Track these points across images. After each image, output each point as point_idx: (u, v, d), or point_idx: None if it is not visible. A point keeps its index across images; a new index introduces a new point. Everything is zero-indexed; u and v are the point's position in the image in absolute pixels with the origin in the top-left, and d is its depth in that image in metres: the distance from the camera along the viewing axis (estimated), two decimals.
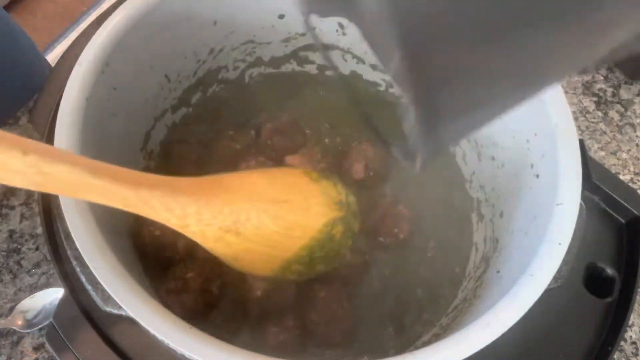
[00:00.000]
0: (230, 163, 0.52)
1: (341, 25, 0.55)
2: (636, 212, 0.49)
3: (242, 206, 0.34)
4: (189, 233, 0.34)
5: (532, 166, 0.44)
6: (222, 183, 0.35)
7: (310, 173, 0.39)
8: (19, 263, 0.56)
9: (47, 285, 0.55)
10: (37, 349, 0.52)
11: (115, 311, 0.33)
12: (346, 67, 0.60)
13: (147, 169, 0.51)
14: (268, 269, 0.38)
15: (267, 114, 0.56)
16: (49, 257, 0.53)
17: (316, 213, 0.37)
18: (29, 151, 0.26)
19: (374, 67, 0.59)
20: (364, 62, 0.59)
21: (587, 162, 0.44)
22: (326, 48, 0.58)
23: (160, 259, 0.45)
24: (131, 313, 0.32)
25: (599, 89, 0.75)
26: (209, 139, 0.54)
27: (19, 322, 0.52)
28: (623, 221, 0.50)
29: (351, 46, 0.58)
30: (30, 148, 0.27)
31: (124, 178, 0.30)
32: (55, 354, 0.41)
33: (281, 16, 0.54)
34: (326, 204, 0.37)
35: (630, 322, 0.56)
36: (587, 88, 0.75)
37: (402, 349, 0.47)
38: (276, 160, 0.53)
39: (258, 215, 0.34)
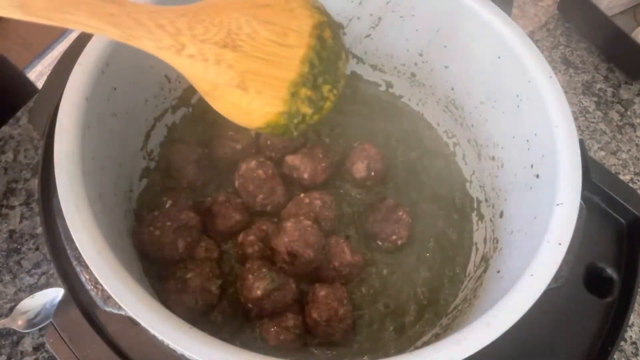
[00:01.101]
0: (230, 163, 0.52)
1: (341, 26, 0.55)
2: (636, 212, 0.49)
3: (230, 14, 0.33)
4: (187, 59, 0.32)
5: (532, 166, 0.44)
6: (206, 1, 0.34)
7: None
8: (19, 263, 0.56)
9: (47, 285, 0.55)
10: (37, 349, 0.52)
11: (115, 311, 0.33)
12: (346, 67, 0.60)
13: (147, 169, 0.51)
14: (279, 100, 0.35)
15: None
16: (49, 257, 0.53)
17: (301, 14, 0.36)
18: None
19: (374, 67, 0.59)
20: (364, 62, 0.59)
21: (587, 162, 0.44)
22: None
23: (160, 259, 0.45)
24: (131, 313, 0.32)
25: (599, 89, 0.75)
26: (209, 139, 0.54)
27: (19, 322, 0.52)
28: (623, 221, 0.50)
29: (351, 46, 0.58)
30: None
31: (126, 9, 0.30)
32: (55, 354, 0.41)
33: None
34: (307, 6, 0.36)
35: (630, 322, 0.56)
36: (587, 88, 0.75)
37: (402, 349, 0.47)
38: (276, 160, 0.53)
39: (248, 22, 0.33)
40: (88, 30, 0.30)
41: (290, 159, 0.51)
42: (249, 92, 0.34)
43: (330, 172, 0.52)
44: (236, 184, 0.50)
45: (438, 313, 0.49)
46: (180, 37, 0.31)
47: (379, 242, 0.51)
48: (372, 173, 0.52)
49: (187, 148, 0.52)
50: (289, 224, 0.46)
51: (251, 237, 0.48)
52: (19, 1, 0.28)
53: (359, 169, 0.52)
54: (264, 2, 0.35)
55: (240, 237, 0.48)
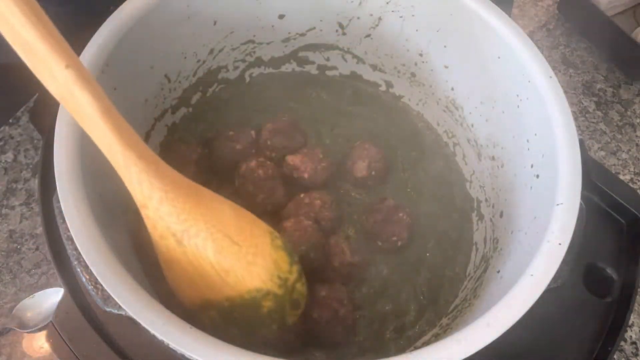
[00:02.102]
0: (230, 163, 0.52)
1: (341, 25, 0.55)
2: (636, 212, 0.49)
3: (198, 223, 0.34)
4: (144, 214, 0.35)
5: (532, 166, 0.44)
6: (198, 193, 0.36)
7: (276, 238, 0.38)
8: (19, 263, 0.56)
9: (47, 285, 0.55)
10: (37, 349, 0.52)
11: (115, 311, 0.33)
12: (346, 67, 0.60)
13: None
14: (188, 298, 0.37)
15: (267, 114, 0.56)
16: (49, 257, 0.53)
17: (257, 274, 0.36)
18: (70, 66, 0.30)
19: (374, 67, 0.59)
20: (364, 62, 0.59)
21: (587, 162, 0.44)
22: (326, 48, 0.58)
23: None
24: (131, 313, 0.31)
25: (599, 89, 0.75)
26: (209, 139, 0.54)
27: (19, 322, 0.52)
28: (623, 221, 0.50)
29: (351, 46, 0.58)
30: (72, 63, 0.30)
31: (125, 135, 0.32)
32: (55, 354, 0.41)
33: (281, 16, 0.54)
34: (270, 272, 0.36)
35: (630, 322, 0.56)
36: (587, 88, 0.75)
37: (402, 349, 0.47)
38: (276, 160, 0.53)
39: (205, 238, 0.34)
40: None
41: (291, 159, 0.51)
42: (171, 273, 0.37)
43: (330, 172, 0.52)
44: (236, 183, 0.50)
45: (438, 313, 0.49)
46: (148, 202, 0.34)
47: (379, 243, 0.51)
48: (373, 172, 0.52)
49: (187, 148, 0.52)
50: (289, 224, 0.46)
51: None
52: (59, 96, 0.31)
53: (360, 168, 0.52)
54: (239, 240, 0.35)
55: None
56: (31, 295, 0.53)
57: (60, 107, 0.38)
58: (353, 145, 0.54)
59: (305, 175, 0.51)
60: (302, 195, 0.50)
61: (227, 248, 0.35)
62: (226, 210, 0.36)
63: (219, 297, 0.36)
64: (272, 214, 0.50)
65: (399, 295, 0.49)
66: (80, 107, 0.31)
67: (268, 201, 0.49)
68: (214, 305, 0.37)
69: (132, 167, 0.33)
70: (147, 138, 0.51)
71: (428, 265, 0.51)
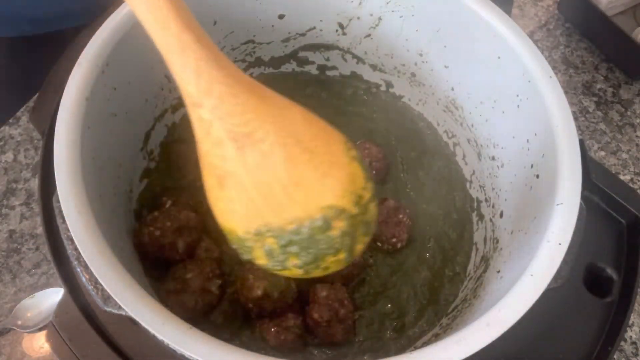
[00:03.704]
0: None
1: (341, 25, 0.55)
2: (636, 212, 0.49)
3: (265, 125, 0.28)
4: (196, 116, 0.28)
5: (532, 166, 0.44)
6: (263, 91, 0.30)
7: (351, 148, 0.32)
8: (19, 263, 0.56)
9: (47, 285, 0.55)
10: (37, 349, 0.52)
11: (115, 311, 0.33)
12: (346, 67, 0.60)
13: (147, 169, 0.51)
14: (242, 226, 0.30)
15: None
16: (49, 257, 0.53)
17: (330, 188, 0.29)
18: None
19: (374, 67, 0.59)
20: (364, 62, 0.59)
21: (587, 162, 0.44)
22: (326, 48, 0.58)
23: (160, 259, 0.45)
24: (131, 313, 0.32)
25: (599, 89, 0.75)
26: None
27: (19, 322, 0.52)
28: (623, 221, 0.50)
29: (351, 46, 0.58)
30: None
31: (184, 16, 0.27)
32: (55, 354, 0.41)
33: (281, 16, 0.54)
34: (345, 188, 0.30)
35: (630, 322, 0.56)
36: (587, 88, 0.75)
37: (402, 349, 0.47)
38: None
39: (273, 143, 0.28)
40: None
41: None
42: (221, 199, 0.31)
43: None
44: None
45: (438, 313, 0.49)
46: (204, 98, 0.28)
47: (379, 244, 0.51)
48: (374, 172, 0.52)
49: (187, 148, 0.52)
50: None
51: None
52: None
53: None
54: (310, 145, 0.29)
55: None
56: (31, 295, 0.53)
57: (60, 107, 0.38)
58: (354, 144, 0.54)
59: None
60: None
61: (299, 156, 0.29)
62: (297, 113, 0.30)
63: (283, 220, 0.29)
64: None
65: (399, 295, 0.49)
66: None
67: None
68: (273, 231, 0.30)
69: (190, 54, 0.27)
70: (147, 138, 0.51)
71: (428, 265, 0.51)
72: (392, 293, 0.49)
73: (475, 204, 0.54)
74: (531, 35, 0.79)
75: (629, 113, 0.73)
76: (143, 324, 0.31)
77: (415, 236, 0.52)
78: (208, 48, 0.27)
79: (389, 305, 0.49)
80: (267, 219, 0.30)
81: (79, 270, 0.34)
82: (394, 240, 0.50)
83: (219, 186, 0.30)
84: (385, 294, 0.49)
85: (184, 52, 0.27)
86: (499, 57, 0.47)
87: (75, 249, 0.33)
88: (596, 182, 0.49)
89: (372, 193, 0.31)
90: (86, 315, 0.41)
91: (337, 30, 0.56)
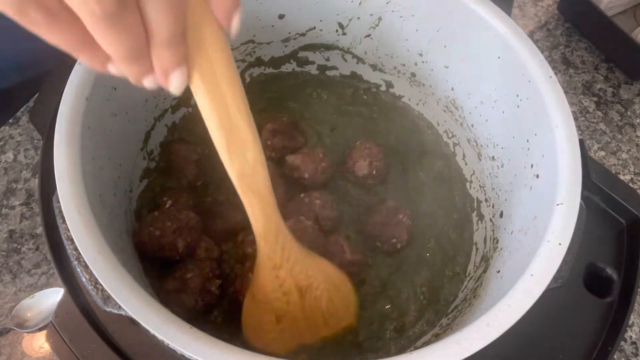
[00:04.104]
0: None
1: (341, 25, 0.55)
2: (636, 212, 0.49)
3: (318, 278, 0.41)
4: (274, 275, 0.39)
5: (532, 166, 0.44)
6: (311, 253, 0.42)
7: (352, 285, 0.45)
8: (19, 263, 0.56)
9: (47, 285, 0.55)
10: (37, 349, 0.52)
11: (115, 311, 0.33)
12: (346, 67, 0.60)
13: (147, 169, 0.51)
14: (284, 346, 0.42)
15: (267, 114, 0.56)
16: (49, 257, 0.53)
17: (351, 313, 0.45)
18: (261, 150, 0.34)
19: (373, 67, 0.59)
20: (364, 62, 0.59)
21: (587, 162, 0.44)
22: (326, 48, 0.58)
23: (160, 259, 0.45)
24: (131, 313, 0.32)
25: (599, 89, 0.75)
26: (208, 139, 0.54)
27: (19, 322, 0.52)
28: (623, 221, 0.50)
29: (351, 46, 0.58)
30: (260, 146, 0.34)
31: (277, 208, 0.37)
32: (55, 354, 0.41)
33: (281, 16, 0.54)
34: (354, 310, 0.45)
35: (630, 322, 0.56)
36: (587, 88, 0.75)
37: (402, 349, 0.47)
38: (277, 160, 0.53)
39: (323, 289, 0.41)
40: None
41: (291, 159, 0.51)
42: (274, 328, 0.41)
43: (330, 172, 0.52)
44: None
45: (438, 313, 0.49)
46: (284, 263, 0.39)
47: (379, 244, 0.51)
48: (374, 171, 0.52)
49: (187, 148, 0.52)
50: (289, 224, 0.46)
51: (251, 237, 0.48)
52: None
53: (361, 166, 0.52)
54: (339, 286, 0.43)
55: (240, 237, 0.48)
56: (31, 295, 0.53)
57: (60, 107, 0.38)
58: (354, 144, 0.54)
59: (306, 175, 0.51)
60: (302, 195, 0.50)
61: (336, 295, 0.42)
62: (329, 267, 0.43)
63: (316, 339, 0.43)
64: None
65: (399, 295, 0.49)
66: (255, 182, 0.34)
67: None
68: (307, 347, 0.43)
69: (281, 234, 0.38)
70: (147, 138, 0.51)
71: (428, 265, 0.51)
72: (392, 293, 0.49)
73: (475, 204, 0.54)
74: (531, 35, 0.79)
75: (629, 113, 0.73)
76: (143, 324, 0.31)
77: (416, 236, 0.52)
78: (287, 231, 0.39)
79: (389, 306, 0.49)
80: (306, 341, 0.43)
81: (79, 270, 0.35)
82: (394, 240, 0.50)
83: (276, 321, 0.41)
84: (384, 294, 0.49)
85: (277, 235, 0.38)
86: (499, 57, 0.47)
87: (75, 249, 0.34)
88: (596, 182, 0.49)
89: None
90: (86, 315, 0.41)
91: (337, 30, 0.56)
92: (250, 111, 0.32)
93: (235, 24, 0.27)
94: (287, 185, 0.51)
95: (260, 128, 0.54)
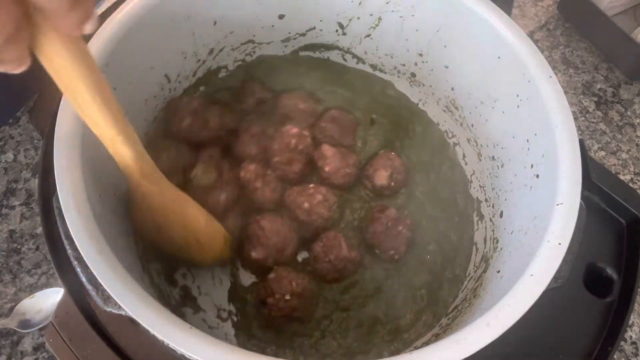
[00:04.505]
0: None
1: (341, 25, 0.55)
2: (636, 212, 0.49)
3: (177, 228, 0.43)
4: (135, 198, 0.41)
5: (532, 166, 0.44)
6: (182, 204, 0.43)
7: (228, 238, 0.47)
8: (19, 263, 0.56)
9: (47, 285, 0.55)
10: (37, 349, 0.52)
11: (115, 311, 0.33)
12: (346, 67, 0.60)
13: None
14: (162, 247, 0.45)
15: None
16: (49, 257, 0.53)
17: (206, 257, 0.46)
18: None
19: (374, 67, 0.59)
20: (364, 62, 0.59)
21: (587, 162, 0.44)
22: (326, 48, 0.58)
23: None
24: (131, 313, 0.32)
25: (599, 89, 0.75)
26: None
27: (19, 322, 0.52)
28: (623, 221, 0.50)
29: (351, 46, 0.58)
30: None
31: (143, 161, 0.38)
32: (55, 354, 0.41)
33: (281, 16, 0.54)
34: (214, 258, 0.47)
35: (630, 322, 0.56)
36: (587, 88, 0.75)
37: (398, 351, 0.47)
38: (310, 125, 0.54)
39: (178, 236, 0.43)
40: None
41: (325, 148, 0.52)
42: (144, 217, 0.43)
43: (350, 179, 0.52)
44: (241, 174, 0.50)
45: (437, 314, 0.48)
46: (143, 199, 0.41)
47: (377, 251, 0.50)
48: (393, 183, 0.52)
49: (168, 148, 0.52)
50: (265, 220, 0.47)
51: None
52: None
53: (381, 177, 0.52)
54: (200, 239, 0.44)
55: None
56: (31, 295, 0.53)
57: (60, 107, 0.38)
58: (378, 153, 0.54)
59: (327, 169, 0.51)
60: (310, 185, 0.50)
61: (192, 242, 0.44)
62: (201, 219, 0.44)
63: (181, 257, 0.46)
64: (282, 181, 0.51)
65: (395, 298, 0.49)
66: (123, 152, 0.36)
67: (286, 169, 0.51)
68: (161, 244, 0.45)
69: (142, 183, 0.39)
70: (147, 138, 0.51)
71: (428, 267, 0.51)
72: (387, 296, 0.49)
73: (475, 204, 0.54)
74: (531, 35, 0.79)
75: (629, 113, 0.73)
76: (143, 324, 0.31)
77: (416, 239, 0.51)
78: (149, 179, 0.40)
79: (389, 306, 0.48)
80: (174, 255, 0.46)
81: (79, 270, 0.35)
82: (392, 252, 0.49)
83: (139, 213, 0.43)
84: (378, 296, 0.49)
85: (139, 183, 0.39)
86: (499, 57, 0.47)
87: (75, 249, 0.33)
88: (596, 182, 0.49)
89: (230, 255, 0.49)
90: (86, 315, 0.41)
91: (337, 30, 0.56)
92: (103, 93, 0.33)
93: (88, 29, 0.27)
94: (307, 171, 0.52)
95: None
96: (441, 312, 0.49)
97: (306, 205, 0.49)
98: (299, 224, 0.49)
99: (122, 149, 0.36)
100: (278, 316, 0.45)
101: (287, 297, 0.45)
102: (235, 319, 0.47)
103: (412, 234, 0.50)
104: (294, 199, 0.49)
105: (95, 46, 0.41)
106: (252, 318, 0.47)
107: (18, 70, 0.27)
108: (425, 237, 0.52)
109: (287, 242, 0.48)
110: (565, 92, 0.48)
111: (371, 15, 0.53)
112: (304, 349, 0.46)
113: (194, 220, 0.44)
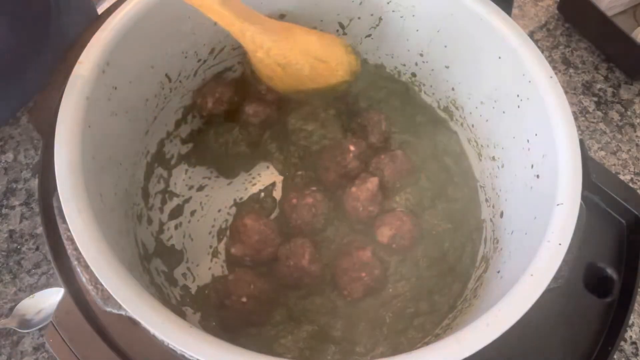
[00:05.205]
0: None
1: (342, 25, 0.55)
2: (636, 212, 0.49)
3: (298, 57, 0.47)
4: (254, 55, 0.47)
5: (532, 166, 0.44)
6: (291, 31, 0.48)
7: (348, 46, 0.51)
8: (19, 263, 0.56)
9: (47, 285, 0.55)
10: (37, 349, 0.52)
11: (115, 311, 0.33)
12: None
13: (148, 169, 0.51)
14: (282, 87, 0.50)
15: None
16: (49, 257, 0.53)
17: (339, 74, 0.50)
18: None
19: (374, 67, 0.59)
20: (366, 62, 0.59)
21: (587, 162, 0.44)
22: None
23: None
24: (131, 312, 0.32)
25: (599, 89, 0.75)
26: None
27: (19, 322, 0.52)
28: (623, 221, 0.50)
29: (351, 46, 0.58)
30: None
31: (240, 14, 0.44)
32: (55, 354, 0.41)
33: (282, 16, 0.54)
34: (346, 70, 0.50)
35: (630, 322, 0.56)
36: (587, 88, 0.75)
37: (402, 349, 0.47)
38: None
39: (303, 64, 0.48)
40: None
41: (356, 190, 0.50)
42: (271, 78, 0.50)
43: (362, 223, 0.51)
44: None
45: (438, 316, 0.48)
46: (259, 48, 0.46)
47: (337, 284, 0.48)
48: (394, 245, 0.49)
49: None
50: (248, 220, 0.47)
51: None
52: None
53: (384, 233, 0.49)
54: (325, 58, 0.49)
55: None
56: (31, 295, 0.53)
57: (60, 107, 0.38)
58: (392, 209, 0.51)
59: (348, 206, 0.50)
60: (307, 193, 0.50)
61: (318, 66, 0.48)
62: (313, 39, 0.49)
63: (308, 90, 0.50)
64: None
65: (399, 297, 0.49)
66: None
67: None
68: (302, 92, 0.50)
69: (249, 33, 0.45)
70: (147, 137, 0.51)
71: (428, 266, 0.51)
72: (392, 295, 0.49)
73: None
74: (531, 35, 0.79)
75: (629, 113, 0.73)
76: (143, 323, 0.31)
77: (417, 237, 0.51)
78: (258, 23, 0.45)
79: (389, 307, 0.48)
80: (297, 88, 0.50)
81: (79, 270, 0.35)
82: (346, 292, 0.47)
83: (267, 78, 0.50)
84: (334, 317, 0.47)
85: (244, 34, 0.45)
86: (499, 57, 0.47)
87: (75, 249, 0.34)
88: (596, 182, 0.49)
89: (360, 63, 0.53)
90: (86, 315, 0.41)
91: (337, 30, 0.56)
92: None
93: None
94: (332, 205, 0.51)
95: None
96: (442, 316, 0.48)
97: (294, 202, 0.49)
98: (285, 222, 0.49)
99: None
100: (234, 318, 0.44)
101: (244, 299, 0.44)
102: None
103: (377, 284, 0.48)
104: (289, 197, 0.49)
105: (96, 46, 0.41)
106: (213, 319, 0.46)
107: None
108: (426, 234, 0.52)
109: (268, 243, 0.47)
110: (565, 92, 0.48)
111: (372, 15, 0.53)
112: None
113: (307, 41, 0.48)
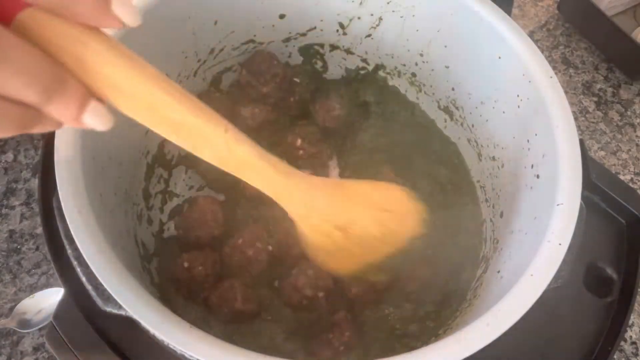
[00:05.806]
0: None
1: (342, 25, 0.55)
2: (636, 212, 0.49)
3: (359, 210, 0.39)
4: (307, 224, 0.37)
5: (532, 166, 0.44)
6: (343, 187, 0.40)
7: (407, 191, 0.42)
8: (19, 263, 0.56)
9: (47, 285, 0.55)
10: (37, 349, 0.52)
11: (115, 311, 0.33)
12: None
13: (148, 169, 0.51)
14: (347, 269, 0.41)
15: None
16: (49, 257, 0.53)
17: (409, 226, 0.41)
18: (229, 129, 0.29)
19: (376, 67, 0.59)
20: (367, 63, 0.59)
21: (587, 162, 0.44)
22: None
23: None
24: (131, 312, 0.32)
25: (599, 89, 0.75)
26: None
27: (19, 322, 0.52)
28: (623, 221, 0.50)
29: (352, 46, 0.58)
30: (229, 127, 0.30)
31: (280, 168, 0.33)
32: (55, 354, 0.41)
33: (282, 16, 0.54)
34: (416, 219, 0.41)
35: (630, 322, 0.56)
36: (587, 88, 0.75)
37: (402, 349, 0.47)
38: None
39: (369, 221, 0.39)
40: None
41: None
42: (330, 258, 0.40)
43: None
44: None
45: (440, 319, 0.48)
46: (311, 212, 0.37)
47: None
48: (320, 293, 0.46)
49: None
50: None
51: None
52: (218, 159, 0.30)
53: (299, 284, 0.45)
54: (390, 207, 0.40)
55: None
56: (31, 295, 0.53)
57: None
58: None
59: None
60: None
61: (385, 219, 0.40)
62: (367, 187, 0.41)
63: (380, 258, 0.41)
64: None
65: (399, 299, 0.49)
66: (239, 161, 0.31)
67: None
68: (373, 266, 0.41)
69: (295, 192, 0.35)
70: (147, 137, 0.51)
71: (428, 266, 0.51)
72: (393, 295, 0.49)
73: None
74: (531, 35, 0.79)
75: (629, 113, 0.73)
76: (143, 323, 0.31)
77: (416, 238, 0.51)
78: (305, 181, 0.36)
79: (390, 309, 0.49)
80: (367, 261, 0.41)
81: (79, 270, 0.35)
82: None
83: (326, 256, 0.40)
84: (385, 296, 0.49)
85: (291, 194, 0.35)
86: (499, 57, 0.47)
87: (75, 249, 0.33)
88: (596, 182, 0.49)
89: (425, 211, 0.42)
90: (86, 315, 0.41)
91: (337, 30, 0.56)
92: (195, 98, 0.29)
93: (125, 14, 0.23)
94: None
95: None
96: (443, 319, 0.48)
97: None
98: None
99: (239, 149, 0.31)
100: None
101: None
102: None
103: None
104: None
105: None
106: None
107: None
108: (425, 235, 0.51)
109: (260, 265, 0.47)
110: (565, 92, 0.48)
111: (372, 15, 0.53)
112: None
113: (363, 191, 0.40)
